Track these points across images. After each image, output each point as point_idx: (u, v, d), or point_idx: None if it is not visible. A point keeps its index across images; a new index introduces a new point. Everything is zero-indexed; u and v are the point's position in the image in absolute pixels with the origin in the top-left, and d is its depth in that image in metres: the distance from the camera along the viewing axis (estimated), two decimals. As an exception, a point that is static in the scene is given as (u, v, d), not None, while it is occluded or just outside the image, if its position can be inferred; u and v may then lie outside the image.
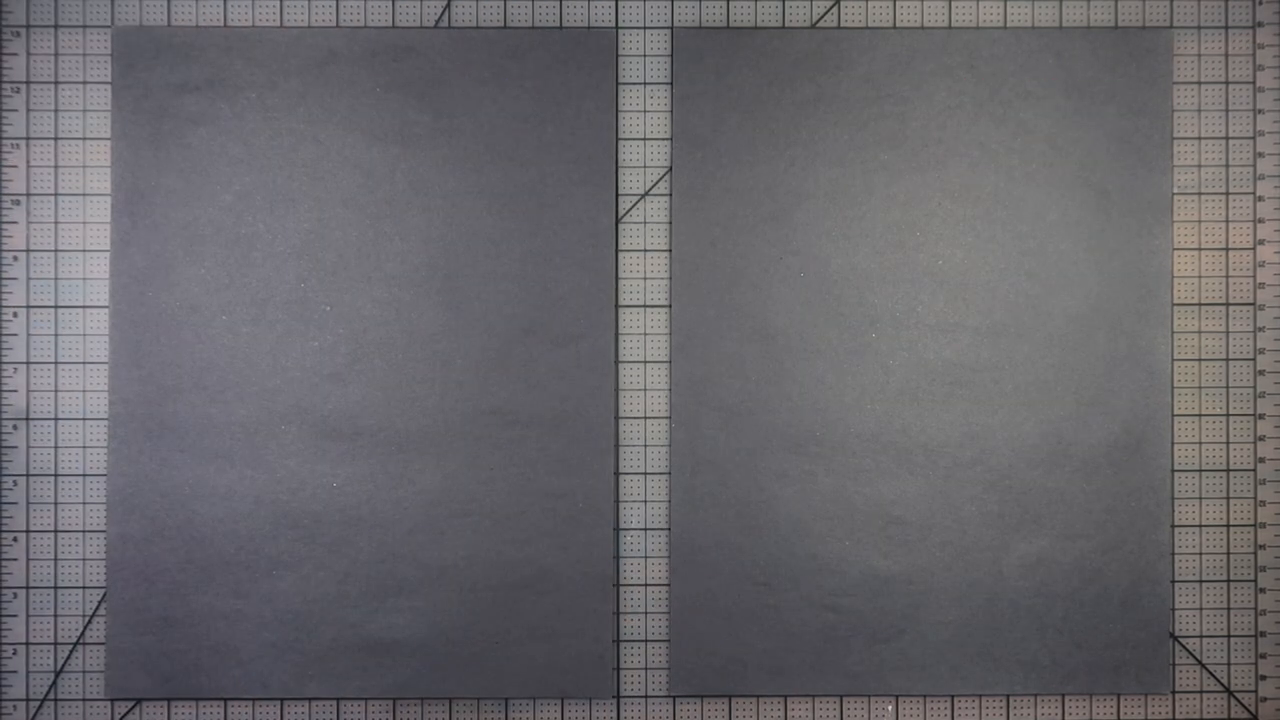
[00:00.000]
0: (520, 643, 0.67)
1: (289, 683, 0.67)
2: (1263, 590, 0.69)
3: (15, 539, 0.68)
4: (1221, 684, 0.69)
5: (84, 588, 0.68)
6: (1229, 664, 0.69)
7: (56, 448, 0.68)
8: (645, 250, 0.69)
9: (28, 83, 0.68)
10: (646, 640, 0.68)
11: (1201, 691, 0.69)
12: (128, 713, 0.67)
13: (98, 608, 0.68)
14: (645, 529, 0.68)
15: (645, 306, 0.69)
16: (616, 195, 0.69)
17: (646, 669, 0.68)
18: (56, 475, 0.68)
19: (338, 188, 0.67)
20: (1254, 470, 0.69)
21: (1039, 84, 0.68)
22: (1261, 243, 0.69)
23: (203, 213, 0.67)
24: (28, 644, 0.68)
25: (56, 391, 0.68)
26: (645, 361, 0.68)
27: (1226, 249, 0.69)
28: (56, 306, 0.68)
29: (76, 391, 0.68)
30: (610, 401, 0.67)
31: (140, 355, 0.67)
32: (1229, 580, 0.69)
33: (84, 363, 0.68)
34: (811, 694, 0.67)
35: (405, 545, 0.67)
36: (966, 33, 0.68)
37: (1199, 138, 0.69)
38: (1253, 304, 0.69)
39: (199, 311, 0.67)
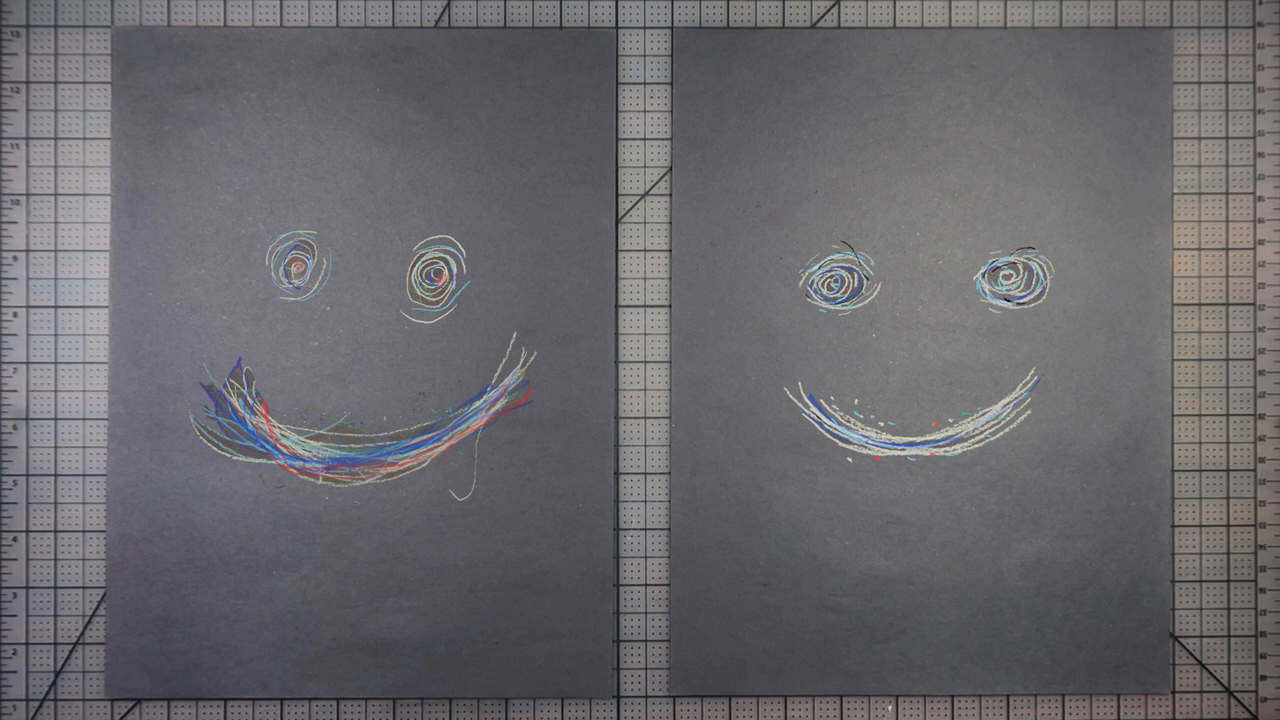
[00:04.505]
0: (520, 643, 0.67)
1: (289, 683, 0.67)
2: (1263, 590, 0.69)
3: (15, 539, 0.68)
4: (1221, 684, 0.69)
5: (84, 588, 0.68)
6: (1229, 664, 0.69)
7: (56, 448, 0.68)
8: (645, 250, 0.69)
9: (28, 83, 0.68)
10: (646, 640, 0.68)
11: (1201, 691, 0.69)
12: (128, 713, 0.67)
13: (97, 608, 0.68)
14: (645, 529, 0.68)
15: (645, 306, 0.69)
16: (616, 195, 0.69)
17: (646, 669, 0.68)
18: (56, 475, 0.68)
19: (338, 188, 0.67)
20: (1254, 470, 0.69)
21: (1039, 84, 0.68)
22: (1261, 243, 0.69)
23: (203, 213, 0.67)
24: (28, 644, 0.68)
25: (56, 391, 0.68)
26: (645, 361, 0.68)
27: (1226, 249, 0.69)
28: (56, 306, 0.68)
29: (76, 391, 0.68)
30: (610, 401, 0.67)
31: (140, 355, 0.67)
32: (1229, 580, 0.69)
33: (84, 363, 0.68)
34: (811, 694, 0.67)
35: (405, 545, 0.67)
36: (966, 33, 0.68)
37: (1199, 138, 0.69)
38: (1253, 304, 0.69)
39: (199, 311, 0.67)
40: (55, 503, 0.68)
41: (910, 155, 0.67)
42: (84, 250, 0.68)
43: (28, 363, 0.68)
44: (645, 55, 0.69)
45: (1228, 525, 0.69)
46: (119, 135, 0.67)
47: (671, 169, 0.68)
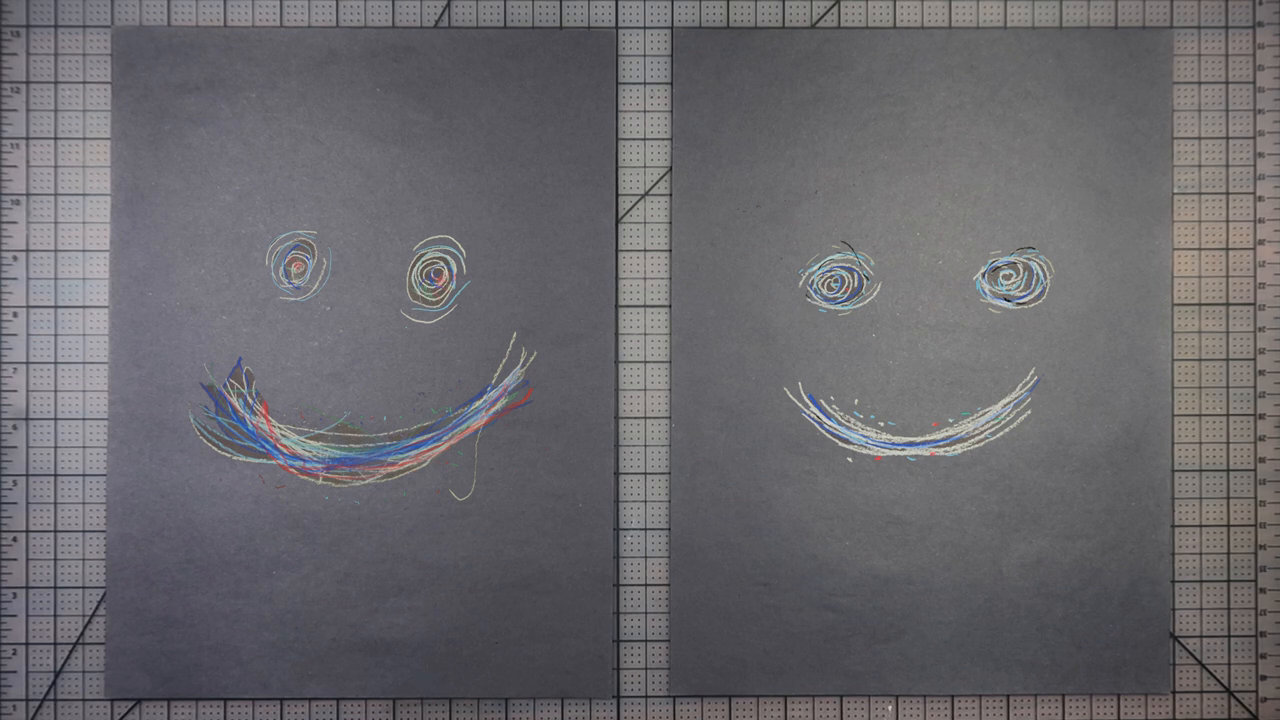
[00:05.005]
0: (520, 643, 0.67)
1: (289, 683, 0.67)
2: (1263, 590, 0.69)
3: (15, 539, 0.68)
4: (1221, 684, 0.69)
5: (84, 588, 0.68)
6: (1229, 664, 0.69)
7: (56, 448, 0.68)
8: (645, 250, 0.69)
9: (28, 83, 0.68)
10: (646, 640, 0.68)
11: (1201, 691, 0.69)
12: (128, 713, 0.67)
13: (97, 608, 0.68)
14: (645, 529, 0.68)
15: (645, 306, 0.69)
16: (616, 195, 0.69)
17: (646, 669, 0.68)
18: (56, 475, 0.68)
19: (338, 188, 0.67)
20: (1254, 470, 0.69)
21: (1039, 84, 0.68)
22: (1261, 243, 0.69)
23: (203, 213, 0.67)
24: (28, 644, 0.68)
25: (56, 391, 0.68)
26: (645, 361, 0.68)
27: (1226, 249, 0.69)
28: (56, 306, 0.68)
29: (76, 391, 0.68)
30: (610, 401, 0.67)
31: (140, 355, 0.67)
32: (1229, 580, 0.69)
33: (84, 363, 0.68)
34: (811, 694, 0.67)
35: (405, 545, 0.67)
36: (966, 33, 0.68)
37: (1199, 138, 0.69)
38: (1253, 304, 0.69)
39: (199, 311, 0.67)
40: (55, 503, 0.68)
41: (910, 155, 0.67)
42: (84, 250, 0.68)
43: (28, 363, 0.68)
44: (645, 55, 0.69)
45: (1228, 525, 0.69)
46: (119, 135, 0.67)
47: (671, 169, 0.68)
